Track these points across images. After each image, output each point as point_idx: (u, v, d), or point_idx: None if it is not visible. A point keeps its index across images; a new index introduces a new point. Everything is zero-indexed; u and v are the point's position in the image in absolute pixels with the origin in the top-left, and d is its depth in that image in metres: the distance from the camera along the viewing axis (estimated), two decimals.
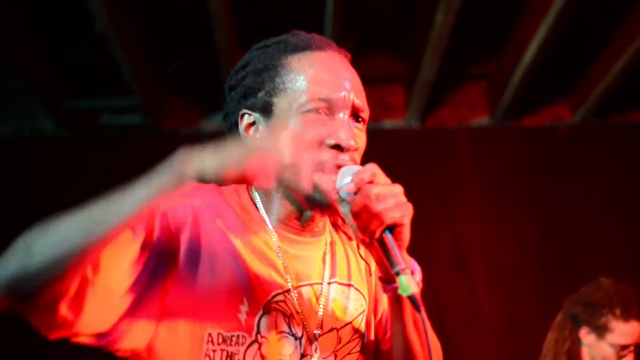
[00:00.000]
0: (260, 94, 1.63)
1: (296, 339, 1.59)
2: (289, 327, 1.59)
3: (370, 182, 1.45)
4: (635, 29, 4.46)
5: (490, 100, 5.36)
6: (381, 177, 1.47)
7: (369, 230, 1.42)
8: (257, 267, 1.58)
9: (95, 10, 4.05)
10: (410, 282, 1.39)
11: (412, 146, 5.28)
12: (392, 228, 1.42)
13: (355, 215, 1.43)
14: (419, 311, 1.40)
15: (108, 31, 4.22)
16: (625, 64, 4.65)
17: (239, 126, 1.67)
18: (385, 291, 1.58)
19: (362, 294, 1.73)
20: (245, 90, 1.66)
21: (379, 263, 1.53)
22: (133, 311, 1.48)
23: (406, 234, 1.44)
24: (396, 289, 1.46)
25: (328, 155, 1.56)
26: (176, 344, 1.52)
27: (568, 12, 4.16)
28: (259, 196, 1.66)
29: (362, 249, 1.76)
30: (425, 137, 5.38)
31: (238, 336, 1.53)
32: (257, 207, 1.66)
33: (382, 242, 1.42)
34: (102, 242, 1.37)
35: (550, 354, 3.37)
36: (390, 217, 1.41)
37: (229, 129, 1.71)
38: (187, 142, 5.52)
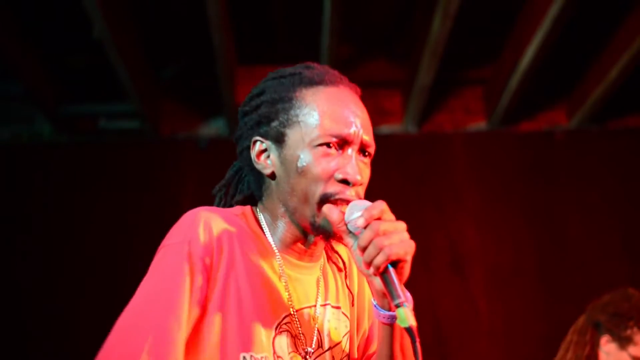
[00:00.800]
0: (274, 124, 1.73)
1: (304, 357, 1.72)
2: (296, 347, 1.71)
3: (379, 219, 1.56)
4: (632, 35, 4.47)
5: (487, 105, 5.37)
6: (388, 214, 1.58)
7: (375, 263, 1.53)
8: (269, 291, 1.70)
9: (93, 16, 4.06)
10: (408, 315, 1.50)
11: (409, 151, 5.29)
12: (396, 263, 1.54)
13: (362, 248, 1.54)
14: (415, 342, 1.51)
15: (106, 37, 4.22)
16: (621, 70, 4.66)
17: (251, 151, 1.77)
18: (377, 317, 1.68)
19: (347, 316, 1.87)
20: (259, 118, 1.76)
21: (376, 292, 1.65)
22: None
23: (407, 269, 1.56)
24: (389, 317, 1.64)
25: (335, 188, 1.67)
26: None
27: (565, 17, 4.17)
28: (265, 219, 1.77)
29: (348, 280, 1.91)
30: (422, 142, 5.39)
31: (265, 357, 1.65)
32: (262, 230, 1.77)
33: (384, 275, 1.53)
34: None
35: (569, 355, 3.38)
36: (395, 253, 1.52)
37: (240, 152, 1.81)
38: (184, 147, 5.51)
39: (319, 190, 1.67)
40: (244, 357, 1.62)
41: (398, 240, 1.54)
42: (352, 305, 1.89)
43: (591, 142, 5.44)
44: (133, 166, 5.22)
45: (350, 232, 1.62)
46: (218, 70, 4.66)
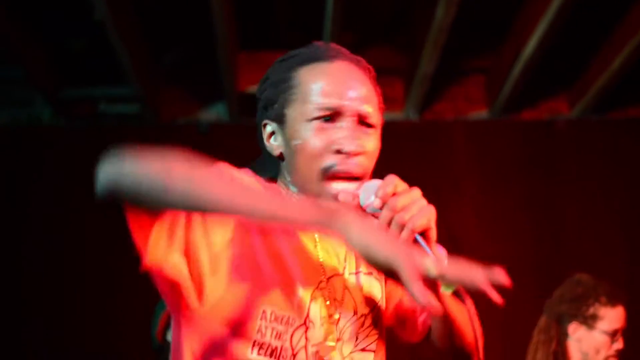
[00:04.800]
0: (276, 105, 1.76)
1: (334, 324, 1.71)
2: (328, 314, 1.70)
3: (393, 194, 1.55)
4: (635, 26, 4.46)
5: (489, 93, 5.35)
6: (401, 185, 1.57)
7: (401, 240, 1.51)
8: (307, 256, 1.72)
9: None
10: None
11: (409, 139, 5.27)
12: (422, 232, 1.52)
13: (385, 228, 1.53)
14: (464, 302, 1.51)
15: (107, 20, 4.20)
16: (624, 60, 4.65)
17: (262, 135, 1.80)
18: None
19: (379, 281, 1.86)
20: (265, 102, 1.79)
21: None
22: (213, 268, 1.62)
23: (434, 234, 1.54)
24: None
25: (332, 160, 1.68)
26: (234, 313, 1.63)
27: (568, 6, 4.15)
28: (294, 192, 1.77)
29: None
30: (423, 130, 5.37)
31: (289, 317, 1.64)
32: None
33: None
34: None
35: (538, 355, 3.41)
36: (419, 225, 1.51)
37: (260, 137, 1.83)
38: (185, 131, 5.50)
39: (317, 166, 1.68)
40: (264, 311, 1.62)
41: (417, 210, 1.52)
42: None
43: (592, 132, 5.43)
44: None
45: (369, 214, 1.59)
46: (220, 55, 4.64)
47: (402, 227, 1.51)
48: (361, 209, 1.61)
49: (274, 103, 1.76)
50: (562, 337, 3.39)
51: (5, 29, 4.44)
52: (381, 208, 1.54)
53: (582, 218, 5.29)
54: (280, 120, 1.75)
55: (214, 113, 5.28)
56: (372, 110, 1.74)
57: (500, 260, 5.41)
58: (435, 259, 1.46)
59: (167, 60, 5.26)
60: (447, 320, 1.75)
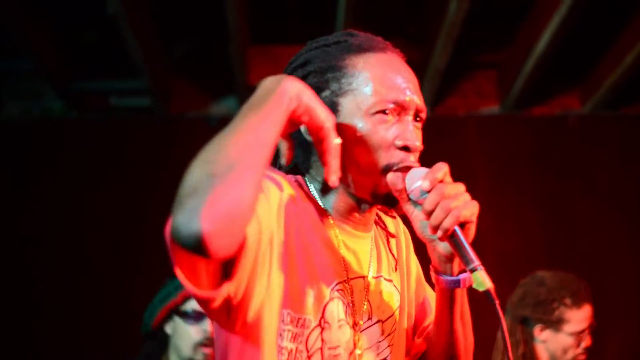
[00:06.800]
0: (325, 94, 1.68)
1: (351, 327, 1.68)
2: (346, 316, 1.67)
3: (441, 181, 1.56)
4: None
5: (501, 89, 5.33)
6: (449, 177, 1.59)
7: (443, 226, 1.53)
8: (325, 256, 1.66)
9: None
10: (485, 278, 1.51)
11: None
12: (463, 224, 1.54)
13: (429, 212, 1.54)
14: (494, 304, 1.52)
15: (119, 13, 4.20)
16: (636, 56, 4.63)
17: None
18: (437, 282, 1.70)
19: (397, 289, 1.82)
20: None
21: (438, 258, 1.67)
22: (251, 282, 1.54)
23: (473, 230, 1.57)
24: (452, 282, 1.67)
25: (398, 156, 1.63)
26: (261, 317, 1.57)
27: (581, 2, 4.14)
28: (315, 189, 1.73)
29: (393, 245, 1.85)
30: (435, 125, 5.35)
31: (305, 319, 1.60)
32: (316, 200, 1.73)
33: (453, 239, 1.54)
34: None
35: None
36: (463, 215, 1.53)
37: None
38: (195, 125, 5.48)
39: (381, 160, 1.63)
40: (282, 313, 1.58)
41: (463, 201, 1.54)
42: (395, 270, 1.83)
43: (604, 128, 5.41)
44: (143, 144, 5.20)
45: (412, 200, 1.61)
46: (230, 49, 4.63)
47: (447, 212, 1.52)
48: (406, 193, 1.61)
49: (321, 91, 1.67)
50: (529, 339, 3.33)
51: (17, 21, 4.44)
52: (428, 191, 1.55)
53: (593, 213, 5.27)
54: (330, 110, 1.64)
55: (225, 107, 5.28)
56: (423, 104, 1.72)
57: (511, 254, 5.42)
58: (475, 256, 1.52)
59: (178, 53, 5.26)
60: (449, 316, 1.74)
